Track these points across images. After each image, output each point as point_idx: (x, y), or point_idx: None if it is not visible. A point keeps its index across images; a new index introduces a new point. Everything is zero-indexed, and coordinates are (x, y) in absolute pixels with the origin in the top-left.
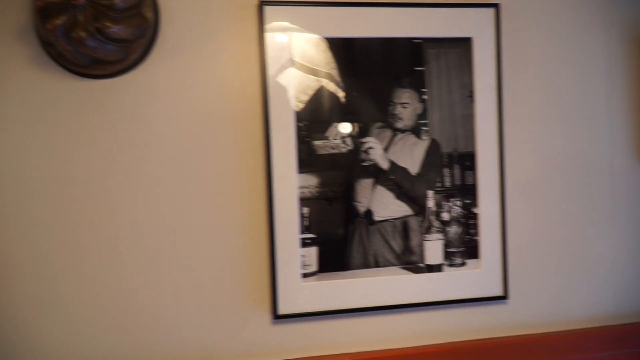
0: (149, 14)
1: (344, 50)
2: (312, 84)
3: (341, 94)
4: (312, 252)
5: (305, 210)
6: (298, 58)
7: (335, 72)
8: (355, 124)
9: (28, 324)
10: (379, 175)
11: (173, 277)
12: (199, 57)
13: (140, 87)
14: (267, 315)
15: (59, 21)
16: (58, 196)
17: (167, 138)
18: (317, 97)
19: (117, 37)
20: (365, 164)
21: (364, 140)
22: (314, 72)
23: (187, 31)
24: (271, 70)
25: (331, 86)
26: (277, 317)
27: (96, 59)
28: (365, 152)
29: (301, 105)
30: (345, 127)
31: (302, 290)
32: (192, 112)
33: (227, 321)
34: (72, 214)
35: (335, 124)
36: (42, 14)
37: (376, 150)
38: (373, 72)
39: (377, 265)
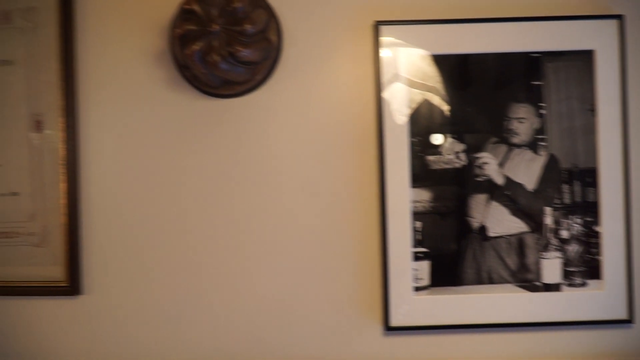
0: (274, 38)
1: (454, 65)
2: (416, 97)
3: (447, 108)
4: (424, 266)
5: (418, 224)
6: (407, 73)
7: (441, 86)
8: (470, 139)
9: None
10: (493, 190)
11: (285, 285)
12: (317, 76)
13: (263, 106)
14: (378, 327)
15: (197, 47)
16: (189, 204)
17: (286, 153)
18: (430, 113)
19: (247, 60)
20: (479, 179)
21: (478, 155)
22: (422, 86)
23: (306, 52)
24: (384, 86)
25: (437, 100)
26: (389, 329)
27: (226, 80)
28: (480, 167)
29: (405, 119)
30: (459, 143)
31: (414, 304)
32: (310, 128)
33: (338, 331)
34: (195, 223)
35: (450, 139)
36: (181, 41)
37: (491, 165)
38: (487, 87)
39: (490, 281)
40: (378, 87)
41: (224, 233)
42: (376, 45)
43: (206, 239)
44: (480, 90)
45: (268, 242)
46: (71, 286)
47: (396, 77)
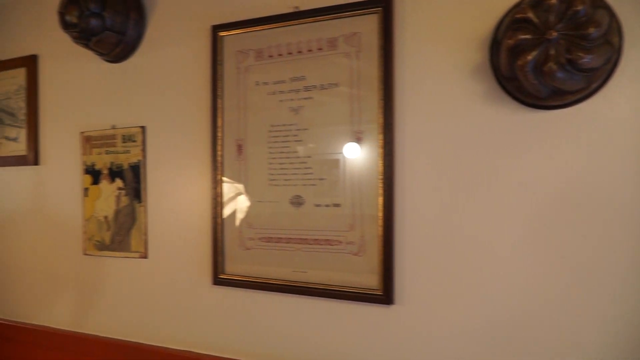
0: (615, 39)
1: None
2: None
3: None
4: None
5: None
6: None
7: None
8: None
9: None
10: None
11: (559, 313)
12: None
13: (598, 115)
14: None
15: (530, 57)
16: (504, 220)
17: (627, 169)
18: None
19: (588, 67)
20: None
21: None
22: None
23: None
24: None
25: None
26: None
27: (557, 90)
28: None
29: None
30: None
31: None
32: None
33: None
34: (510, 241)
35: None
36: (511, 52)
37: None
38: None
39: None
40: None
41: (543, 255)
42: None
43: (520, 257)
44: None
45: (591, 272)
46: (385, 295)
47: None
